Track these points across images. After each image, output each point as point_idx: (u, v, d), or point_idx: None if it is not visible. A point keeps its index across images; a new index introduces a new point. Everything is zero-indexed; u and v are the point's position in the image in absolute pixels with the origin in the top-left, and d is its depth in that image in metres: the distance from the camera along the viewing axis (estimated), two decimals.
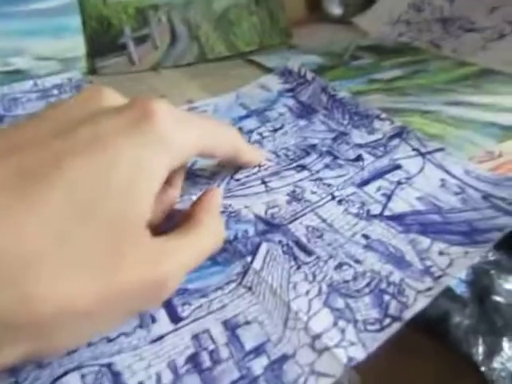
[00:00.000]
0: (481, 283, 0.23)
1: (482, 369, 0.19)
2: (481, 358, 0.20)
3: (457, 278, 0.22)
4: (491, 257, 0.24)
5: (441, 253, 0.23)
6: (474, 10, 0.63)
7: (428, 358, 0.21)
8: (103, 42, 0.47)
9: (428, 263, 0.22)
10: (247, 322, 0.20)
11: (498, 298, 0.22)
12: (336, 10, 0.72)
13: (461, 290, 0.22)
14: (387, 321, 0.19)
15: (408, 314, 0.19)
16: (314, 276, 0.22)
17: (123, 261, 0.16)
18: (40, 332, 0.15)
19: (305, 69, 0.45)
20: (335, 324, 0.19)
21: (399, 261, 0.23)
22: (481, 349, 0.20)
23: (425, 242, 0.24)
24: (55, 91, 0.41)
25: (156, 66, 0.51)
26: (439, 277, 0.21)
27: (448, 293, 0.22)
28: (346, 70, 0.50)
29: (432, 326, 0.21)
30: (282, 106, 0.41)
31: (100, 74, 0.48)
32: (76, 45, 0.46)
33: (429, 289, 0.21)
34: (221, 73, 0.51)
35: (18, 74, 0.43)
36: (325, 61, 0.53)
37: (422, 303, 0.20)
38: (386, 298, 0.21)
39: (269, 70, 0.50)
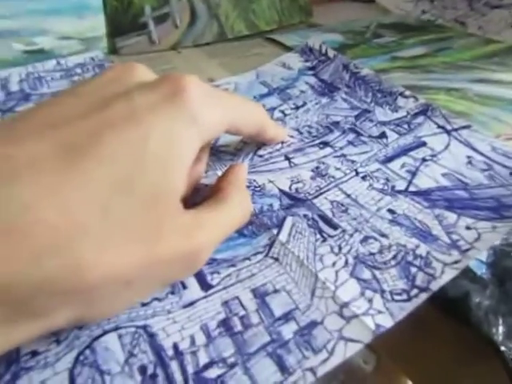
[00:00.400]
0: (501, 265, 0.23)
1: (502, 348, 0.20)
2: (501, 338, 0.20)
3: (485, 251, 0.22)
4: None
5: (468, 227, 0.23)
6: None
7: (447, 337, 0.21)
8: (124, 22, 0.47)
9: (455, 237, 0.22)
10: (275, 291, 0.20)
11: None
12: None
13: (481, 271, 0.22)
14: (415, 291, 0.20)
15: (436, 285, 0.20)
16: (340, 248, 0.22)
17: (161, 232, 0.17)
18: (85, 299, 0.16)
19: (326, 46, 0.44)
20: (362, 294, 0.20)
21: (425, 235, 0.23)
22: (501, 329, 0.20)
23: (451, 217, 0.24)
24: (78, 70, 0.41)
25: (176, 46, 0.51)
26: (467, 250, 0.21)
27: (468, 274, 0.22)
28: (367, 48, 0.49)
29: (452, 306, 0.21)
30: (303, 83, 0.40)
31: (121, 53, 0.48)
32: (97, 24, 0.46)
33: (456, 262, 0.21)
34: (240, 52, 0.51)
35: (41, 54, 0.43)
36: (346, 39, 0.52)
37: (449, 275, 0.20)
38: (413, 270, 0.21)
39: (289, 49, 0.49)
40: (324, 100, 0.38)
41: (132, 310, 0.19)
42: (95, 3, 0.46)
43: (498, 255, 0.23)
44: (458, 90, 0.38)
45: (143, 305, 0.19)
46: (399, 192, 0.26)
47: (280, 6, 0.56)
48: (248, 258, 0.22)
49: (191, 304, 0.19)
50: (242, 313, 0.19)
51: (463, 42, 0.50)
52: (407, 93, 0.36)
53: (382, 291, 0.20)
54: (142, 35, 0.48)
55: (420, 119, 0.34)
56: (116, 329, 0.18)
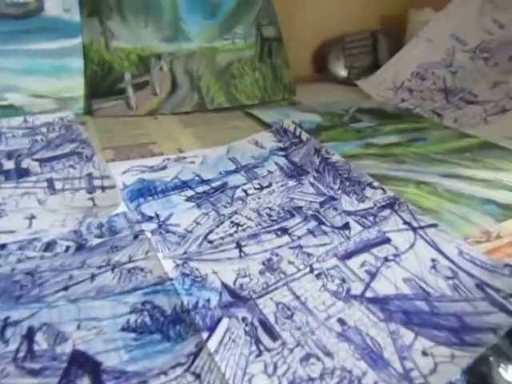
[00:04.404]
0: (478, 370, 0.20)
1: None
2: None
3: None
4: None
5: (424, 353, 0.20)
6: (477, 83, 0.64)
7: None
8: (102, 85, 0.48)
9: (409, 365, 0.19)
10: None
11: None
12: (341, 72, 0.74)
13: (455, 377, 0.19)
14: None
15: None
16: (276, 368, 0.19)
17: None
18: None
19: (300, 129, 0.44)
20: None
21: (376, 358, 0.20)
22: None
23: (407, 336, 0.21)
24: (43, 129, 0.40)
25: (153, 112, 0.50)
26: None
27: None
28: (343, 131, 0.49)
29: None
30: (272, 163, 0.39)
31: (96, 115, 0.47)
32: (75, 85, 0.46)
33: None
34: (218, 123, 0.51)
35: (10, 109, 0.43)
36: (324, 120, 0.52)
37: None
38: None
39: (267, 125, 0.49)
40: (291, 183, 0.36)
41: None
42: (75, 66, 0.46)
43: (475, 360, 0.20)
44: (428, 184, 0.37)
45: None
46: (354, 297, 0.24)
47: (263, 84, 0.58)
48: (164, 373, 0.18)
49: None
50: None
51: (438, 134, 0.51)
52: (375, 184, 0.35)
53: None
54: (119, 99, 0.48)
55: (386, 212, 0.32)
56: None
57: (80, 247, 0.26)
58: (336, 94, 0.68)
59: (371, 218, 0.32)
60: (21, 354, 0.19)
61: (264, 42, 0.56)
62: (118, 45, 0.47)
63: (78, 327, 0.20)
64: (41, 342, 0.19)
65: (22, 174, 0.33)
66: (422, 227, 0.30)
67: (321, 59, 0.75)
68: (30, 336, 0.20)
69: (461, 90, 0.64)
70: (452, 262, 0.27)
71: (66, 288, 0.23)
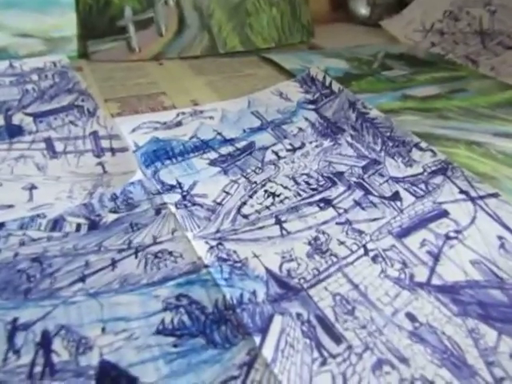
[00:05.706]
0: None
1: None
2: None
3: None
4: None
5: None
6: None
7: None
8: (99, 23, 0.41)
9: (498, 373, 0.17)
10: None
11: None
12: (362, 11, 0.66)
13: None
14: None
15: None
16: (345, 380, 0.16)
17: None
18: None
19: (330, 78, 0.38)
20: None
21: (459, 364, 0.17)
22: None
23: (490, 334, 0.18)
24: (34, 76, 0.34)
25: (159, 56, 0.44)
26: None
27: None
28: (375, 81, 0.44)
29: None
30: (302, 119, 0.34)
31: (92, 59, 0.41)
32: (66, 23, 0.39)
33: None
34: (232, 70, 0.45)
35: None
36: (351, 67, 0.46)
37: None
38: None
39: (287, 72, 0.44)
40: (326, 143, 0.32)
41: None
42: None
43: None
44: (480, 145, 0.33)
45: None
46: (420, 285, 0.21)
47: (281, 23, 0.51)
48: None
49: None
50: None
51: (478, 85, 0.45)
52: (423, 145, 0.31)
53: None
54: (119, 40, 0.42)
55: (439, 179, 0.28)
56: None
57: (93, 225, 0.22)
58: (358, 36, 0.61)
59: (422, 186, 0.28)
60: (37, 369, 0.15)
61: None
62: None
63: (103, 330, 0.17)
64: (60, 352, 0.16)
65: (14, 131, 0.28)
66: (481, 197, 0.27)
67: None
68: (46, 343, 0.16)
69: (499, 32, 0.57)
70: None
71: (82, 278, 0.19)
